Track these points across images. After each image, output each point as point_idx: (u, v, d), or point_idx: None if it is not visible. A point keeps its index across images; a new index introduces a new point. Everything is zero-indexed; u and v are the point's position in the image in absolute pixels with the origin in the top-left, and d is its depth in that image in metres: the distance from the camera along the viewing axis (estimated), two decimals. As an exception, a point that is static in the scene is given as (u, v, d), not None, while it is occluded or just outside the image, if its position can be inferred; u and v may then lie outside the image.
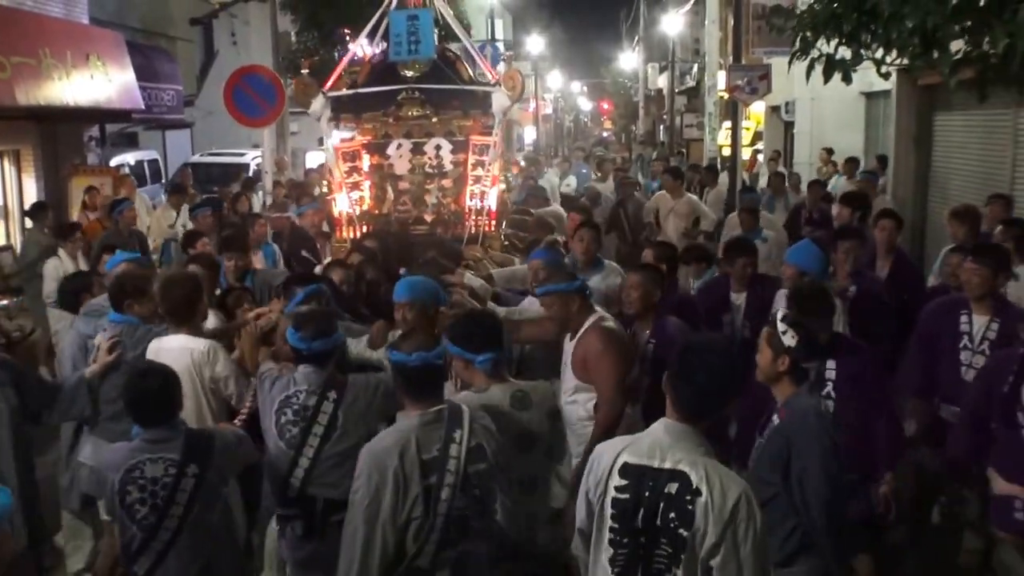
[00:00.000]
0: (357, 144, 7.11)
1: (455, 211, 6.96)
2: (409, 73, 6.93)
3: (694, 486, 2.59)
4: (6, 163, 11.75)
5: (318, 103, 6.86)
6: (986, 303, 4.59)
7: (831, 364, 4.09)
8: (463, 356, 3.61)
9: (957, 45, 4.52)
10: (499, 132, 6.94)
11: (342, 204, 6.96)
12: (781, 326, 3.56)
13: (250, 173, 15.91)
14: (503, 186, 7.97)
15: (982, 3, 4.02)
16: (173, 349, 4.24)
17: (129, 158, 15.48)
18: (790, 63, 5.17)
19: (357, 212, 6.93)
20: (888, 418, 4.12)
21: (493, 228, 6.92)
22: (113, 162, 13.90)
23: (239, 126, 20.99)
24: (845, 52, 4.82)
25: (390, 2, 7.03)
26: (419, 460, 3.09)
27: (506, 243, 7.18)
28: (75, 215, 10.83)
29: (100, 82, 11.71)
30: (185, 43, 20.54)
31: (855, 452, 3.84)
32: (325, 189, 8.57)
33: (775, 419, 3.50)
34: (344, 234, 6.94)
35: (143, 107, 13.22)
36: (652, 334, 4.70)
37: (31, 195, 11.72)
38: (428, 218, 7.00)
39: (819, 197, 10.18)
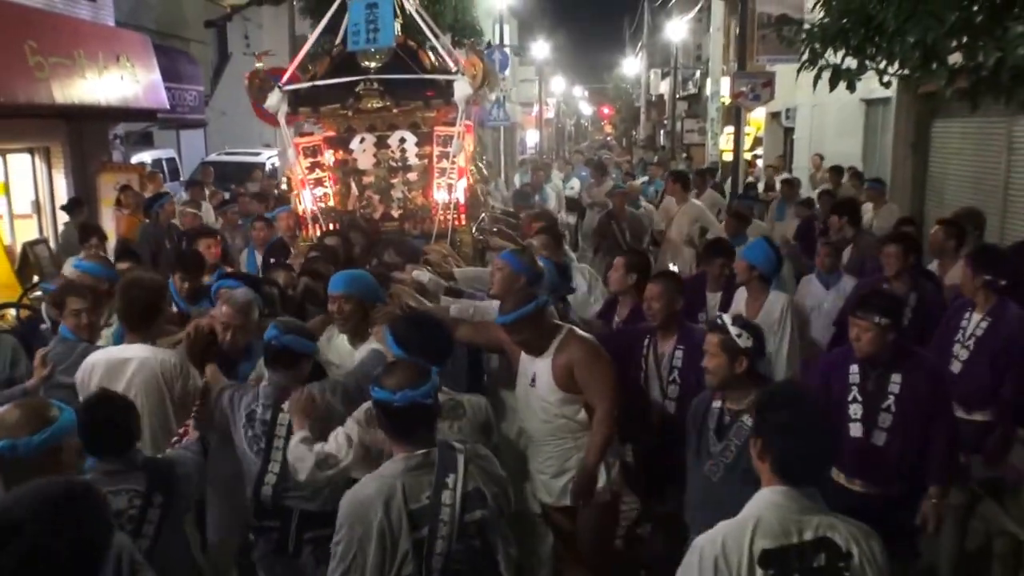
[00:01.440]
0: (318, 138, 6.90)
1: (422, 205, 6.78)
2: (371, 64, 6.64)
3: (844, 550, 2.38)
4: (37, 160, 12.16)
5: (274, 97, 6.52)
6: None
7: (896, 378, 4.00)
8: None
9: (954, 58, 4.93)
10: (463, 122, 6.63)
11: (306, 202, 6.74)
12: (734, 329, 3.54)
13: (266, 172, 16.29)
14: (477, 178, 7.80)
15: (977, 21, 4.48)
16: (133, 358, 3.83)
17: (147, 157, 15.86)
18: (799, 72, 5.60)
19: (321, 209, 6.75)
20: (946, 431, 4.02)
21: (463, 222, 6.66)
22: (132, 160, 14.29)
23: (251, 126, 21.53)
24: (851, 63, 5.24)
25: None
26: (406, 510, 2.77)
27: (479, 236, 6.94)
28: (105, 211, 11.26)
29: (128, 82, 12.14)
30: (199, 45, 20.91)
31: (908, 464, 3.97)
32: (285, 187, 8.19)
33: (746, 422, 3.42)
34: (310, 232, 6.74)
35: (168, 107, 13.63)
36: (679, 340, 4.53)
37: (61, 191, 12.13)
38: (395, 214, 6.84)
39: (831, 208, 9.84)
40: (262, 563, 3.77)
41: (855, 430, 4.02)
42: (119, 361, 3.85)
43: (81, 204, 10.01)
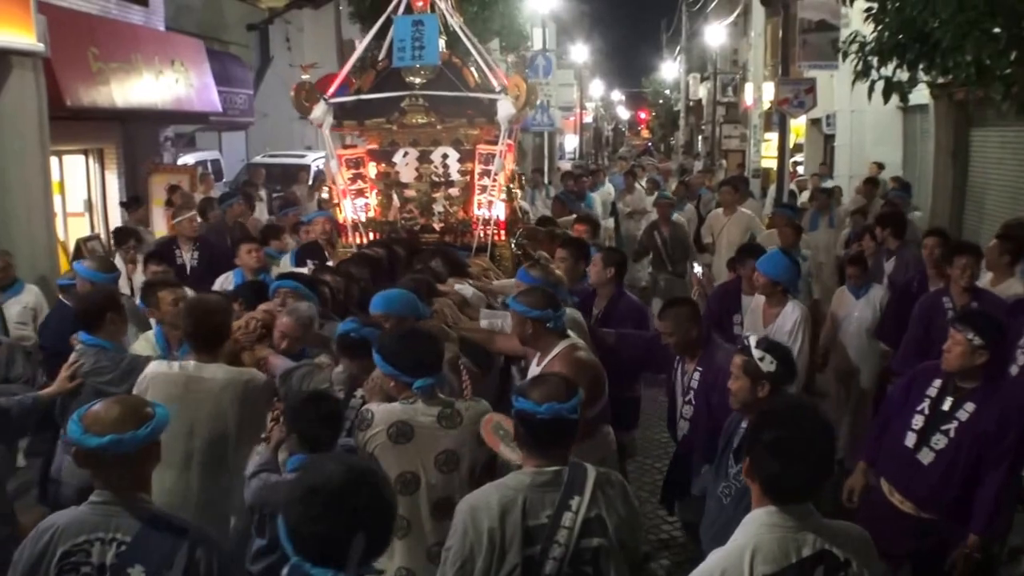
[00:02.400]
0: (361, 151, 7.04)
1: (463, 220, 6.84)
2: (415, 80, 6.70)
3: (842, 559, 2.36)
4: (91, 160, 12.56)
5: (319, 109, 6.62)
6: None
7: (969, 406, 3.85)
8: (399, 379, 3.42)
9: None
10: (505, 141, 6.63)
11: (347, 211, 6.86)
12: (757, 352, 3.45)
13: (312, 174, 16.57)
14: (519, 194, 7.88)
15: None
16: (216, 380, 3.78)
17: (191, 158, 16.22)
18: (853, 83, 5.69)
19: (363, 219, 6.86)
20: (1000, 479, 3.79)
21: (502, 238, 6.73)
22: (178, 162, 14.63)
23: (292, 129, 21.90)
24: (901, 75, 5.33)
25: (395, 7, 6.88)
26: (522, 526, 2.73)
27: (519, 252, 6.92)
28: (157, 211, 11.60)
29: (182, 85, 12.51)
30: (240, 48, 21.31)
31: (952, 497, 3.83)
32: (325, 195, 8.25)
33: None
34: (350, 240, 6.87)
35: (220, 109, 13.98)
36: (700, 362, 4.50)
37: (113, 191, 12.53)
38: (436, 227, 6.92)
39: (876, 219, 9.21)
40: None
41: (909, 439, 4.00)
42: (200, 383, 3.80)
43: (139, 202, 10.33)
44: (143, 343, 4.76)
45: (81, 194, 12.43)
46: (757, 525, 2.37)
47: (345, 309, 5.13)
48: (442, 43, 6.87)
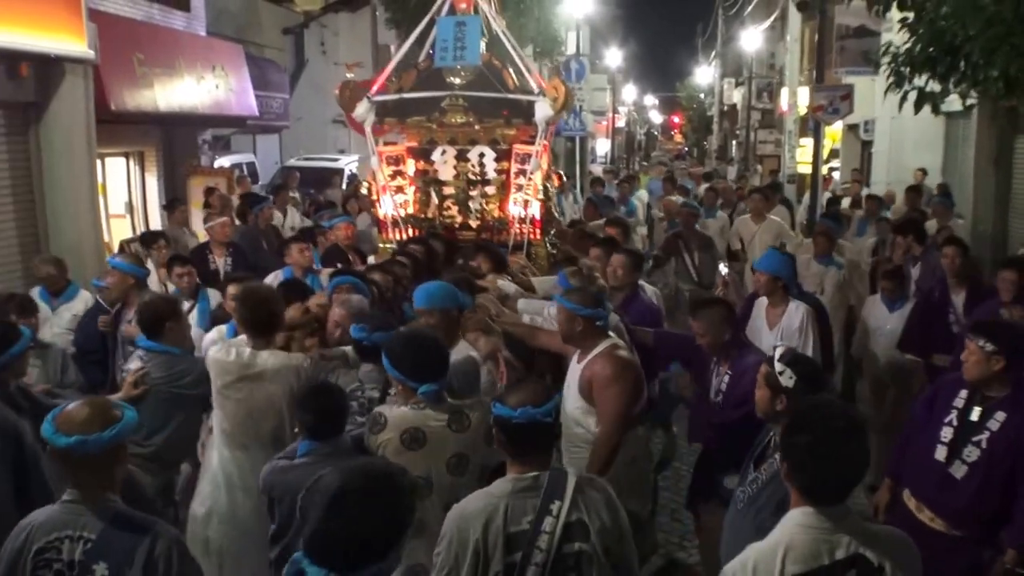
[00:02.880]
0: (402, 148, 7.18)
1: (499, 218, 6.98)
2: (455, 80, 6.86)
3: (876, 564, 2.37)
4: (131, 163, 12.79)
5: (363, 107, 6.78)
6: None
7: (1000, 415, 3.76)
8: (404, 383, 3.50)
9: None
10: (542, 142, 6.80)
11: (386, 207, 7.03)
12: (779, 365, 3.42)
13: (345, 178, 16.73)
14: (553, 193, 8.01)
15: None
16: (276, 367, 4.03)
17: (226, 161, 16.44)
18: (885, 93, 5.73)
19: (402, 215, 7.03)
20: None
21: (538, 236, 6.90)
22: (215, 165, 14.84)
23: (325, 132, 22.11)
24: (934, 86, 5.35)
25: (439, 8, 7.09)
26: (504, 532, 2.74)
27: (553, 251, 7.12)
28: (195, 212, 11.76)
29: (222, 90, 12.72)
30: (275, 51, 21.58)
31: (987, 511, 3.73)
32: (365, 192, 8.41)
33: (776, 459, 3.15)
34: (390, 235, 7.06)
35: (257, 113, 14.18)
36: (730, 366, 4.49)
37: (152, 193, 12.77)
38: (473, 224, 7.06)
39: (892, 228, 9.11)
40: None
41: (939, 452, 3.86)
42: (252, 368, 4.03)
43: (179, 203, 10.47)
44: (215, 334, 4.87)
45: (122, 196, 12.66)
46: (793, 524, 2.41)
47: (390, 307, 5.25)
48: (483, 45, 6.98)
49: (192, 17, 13.87)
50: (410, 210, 7.12)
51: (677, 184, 15.42)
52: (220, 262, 7.80)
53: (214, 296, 6.18)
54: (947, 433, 3.85)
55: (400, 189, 7.10)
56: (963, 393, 3.88)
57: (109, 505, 2.73)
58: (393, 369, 3.50)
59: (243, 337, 4.19)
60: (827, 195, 14.68)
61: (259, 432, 4.04)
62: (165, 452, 4.38)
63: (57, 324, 6.11)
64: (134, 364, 4.44)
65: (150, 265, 7.42)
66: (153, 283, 6.93)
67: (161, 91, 10.99)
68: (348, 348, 4.27)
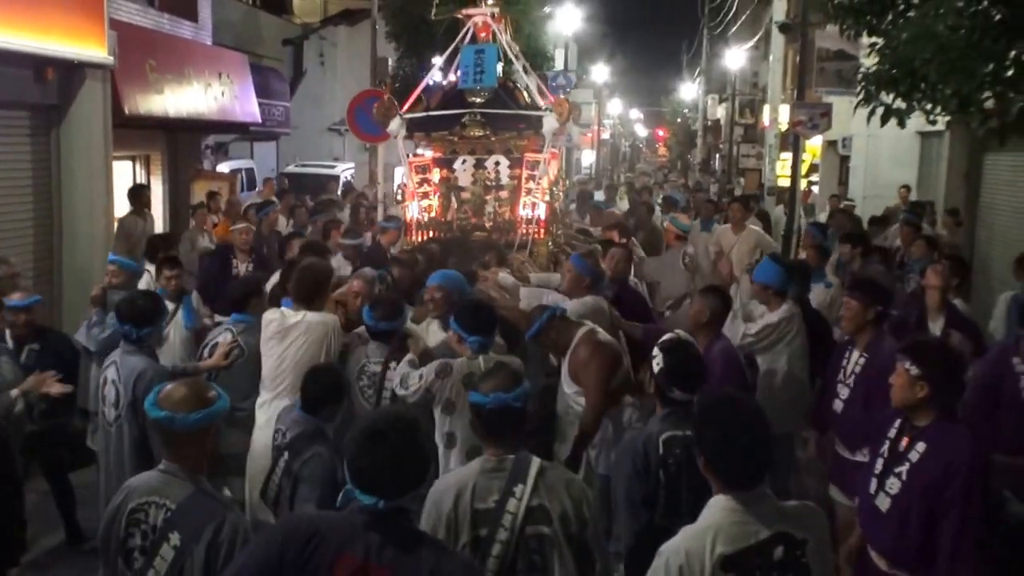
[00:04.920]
0: (428, 159, 8.08)
1: (509, 220, 7.77)
2: (476, 100, 7.76)
3: (799, 538, 2.54)
4: (138, 166, 13.20)
5: (395, 123, 7.77)
6: None
7: (920, 446, 3.47)
8: (459, 332, 4.23)
9: (988, 103, 5.57)
10: (549, 150, 7.67)
11: (413, 211, 7.85)
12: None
13: (340, 185, 17.14)
14: (561, 196, 8.89)
15: (1008, 75, 5.15)
16: (313, 322, 4.78)
17: (225, 167, 16.84)
18: (855, 109, 6.28)
19: (426, 218, 7.84)
20: (957, 527, 3.33)
21: (542, 236, 7.60)
22: (217, 169, 15.22)
23: (321, 140, 22.55)
24: (900, 104, 5.90)
25: (463, 38, 8.08)
26: (471, 508, 2.95)
27: (555, 250, 7.76)
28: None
29: (228, 97, 13.18)
30: (275, 61, 22.00)
31: (917, 549, 3.42)
32: (399, 198, 8.93)
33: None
34: (414, 237, 7.79)
35: (260, 121, 14.62)
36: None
37: (157, 195, 13.16)
38: (487, 225, 7.86)
39: (911, 238, 9.18)
40: None
41: (872, 485, 3.64)
42: (288, 323, 4.80)
43: (201, 207, 10.63)
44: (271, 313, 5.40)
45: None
46: (718, 509, 2.57)
47: (403, 294, 5.96)
48: (500, 68, 7.95)
49: (199, 27, 14.33)
50: (432, 214, 7.93)
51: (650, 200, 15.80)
52: (242, 268, 8.15)
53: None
54: (879, 465, 3.64)
55: (425, 195, 7.92)
56: (897, 422, 3.64)
57: (193, 480, 2.97)
58: (455, 322, 4.28)
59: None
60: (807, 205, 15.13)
61: (287, 375, 4.67)
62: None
63: None
64: (225, 337, 5.16)
65: (149, 265, 7.51)
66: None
67: (171, 97, 11.45)
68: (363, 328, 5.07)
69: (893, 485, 3.50)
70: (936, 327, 5.57)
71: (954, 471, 3.33)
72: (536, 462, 3.03)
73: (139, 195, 10.52)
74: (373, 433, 2.40)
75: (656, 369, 3.52)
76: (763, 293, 5.66)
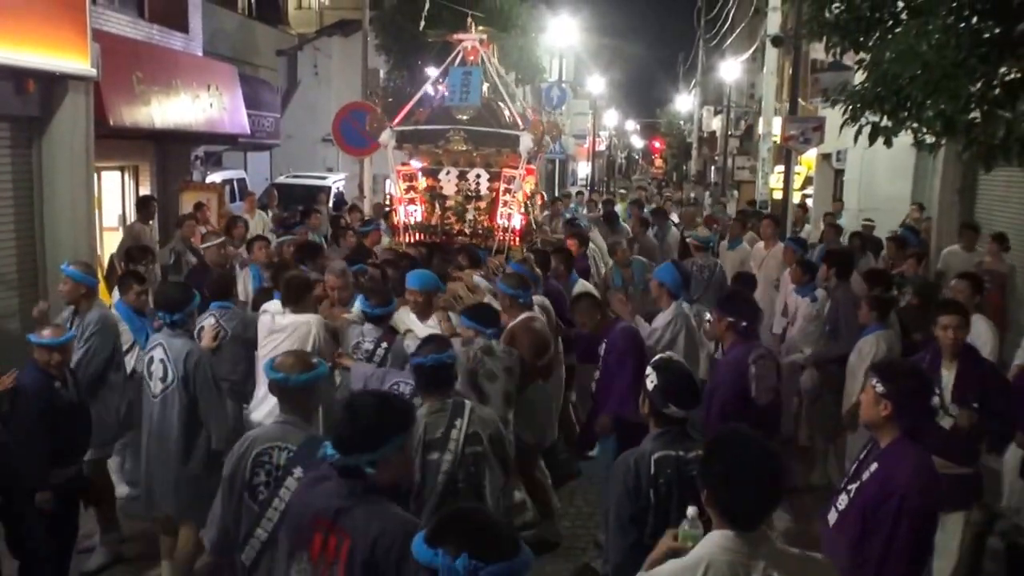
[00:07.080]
0: (415, 169, 8.71)
1: (487, 227, 8.47)
2: (461, 116, 8.53)
3: None
4: (127, 177, 13.12)
5: (386, 135, 8.55)
6: None
7: (873, 467, 3.44)
8: (478, 329, 5.26)
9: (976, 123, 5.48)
10: (524, 167, 8.44)
11: (400, 216, 8.59)
12: (648, 370, 3.63)
13: (331, 196, 17.07)
14: (537, 208, 9.76)
15: (993, 95, 5.06)
16: (299, 322, 5.67)
17: (217, 177, 16.75)
18: (841, 127, 6.19)
19: (412, 223, 8.51)
20: (893, 556, 3.28)
21: (516, 243, 8.34)
22: (207, 180, 15.13)
23: (314, 151, 22.48)
24: (887, 121, 5.82)
25: (453, 59, 8.88)
26: (423, 440, 3.89)
27: (528, 255, 8.30)
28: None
29: (216, 108, 13.09)
30: (269, 72, 21.98)
31: (855, 570, 3.34)
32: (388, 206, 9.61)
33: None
34: (401, 239, 8.56)
35: (249, 132, 14.53)
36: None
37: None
38: (467, 231, 8.56)
39: (904, 253, 9.45)
40: None
41: (841, 501, 3.56)
42: (280, 324, 5.68)
43: (188, 219, 10.50)
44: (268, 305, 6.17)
45: (116, 209, 12.96)
46: (715, 545, 2.51)
47: (394, 287, 6.72)
48: (485, 88, 8.76)
49: (190, 38, 14.26)
50: (419, 218, 8.57)
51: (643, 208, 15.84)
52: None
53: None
54: (845, 481, 3.61)
55: (412, 201, 8.58)
56: (871, 444, 3.59)
57: (306, 427, 3.72)
58: (470, 320, 5.31)
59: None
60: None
61: None
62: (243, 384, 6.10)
63: None
64: (209, 321, 6.00)
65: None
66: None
67: (158, 108, 11.36)
68: (357, 312, 5.87)
69: (842, 501, 3.51)
70: (950, 376, 5.00)
71: (889, 491, 3.29)
72: (469, 403, 4.13)
73: (145, 205, 10.98)
74: (348, 403, 2.94)
75: (650, 387, 3.59)
76: (659, 290, 6.33)
